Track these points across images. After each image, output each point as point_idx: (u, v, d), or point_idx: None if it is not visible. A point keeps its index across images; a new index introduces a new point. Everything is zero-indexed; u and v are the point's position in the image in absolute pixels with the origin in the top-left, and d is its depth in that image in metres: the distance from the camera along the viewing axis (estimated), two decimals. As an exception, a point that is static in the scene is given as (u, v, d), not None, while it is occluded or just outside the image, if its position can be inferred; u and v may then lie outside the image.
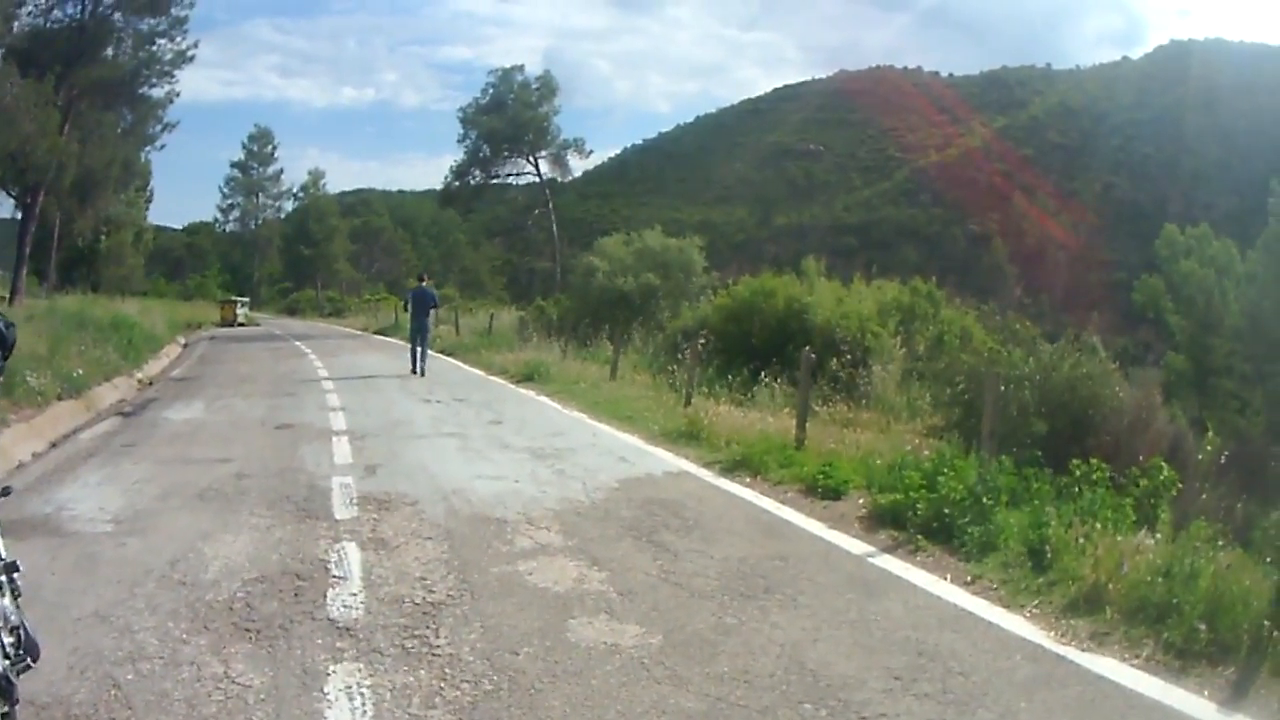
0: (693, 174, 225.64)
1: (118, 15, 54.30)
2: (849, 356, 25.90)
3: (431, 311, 34.79)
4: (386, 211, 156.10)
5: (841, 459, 15.31)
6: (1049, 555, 9.95)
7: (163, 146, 71.32)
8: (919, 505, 11.75)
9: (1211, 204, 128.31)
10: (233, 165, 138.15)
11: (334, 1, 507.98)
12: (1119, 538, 9.97)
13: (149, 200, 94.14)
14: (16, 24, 50.56)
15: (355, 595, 8.99)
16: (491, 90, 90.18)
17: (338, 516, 12.02)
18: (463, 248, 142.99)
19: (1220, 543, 9.72)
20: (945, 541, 11.06)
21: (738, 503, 13.73)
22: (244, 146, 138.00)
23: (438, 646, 7.79)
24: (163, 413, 22.45)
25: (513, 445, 17.90)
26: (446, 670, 7.34)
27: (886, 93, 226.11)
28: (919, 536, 11.34)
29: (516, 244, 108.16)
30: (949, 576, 10.06)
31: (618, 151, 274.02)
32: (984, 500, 11.32)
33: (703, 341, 28.43)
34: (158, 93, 58.82)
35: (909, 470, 12.75)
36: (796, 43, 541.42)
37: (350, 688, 7.00)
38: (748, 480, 15.18)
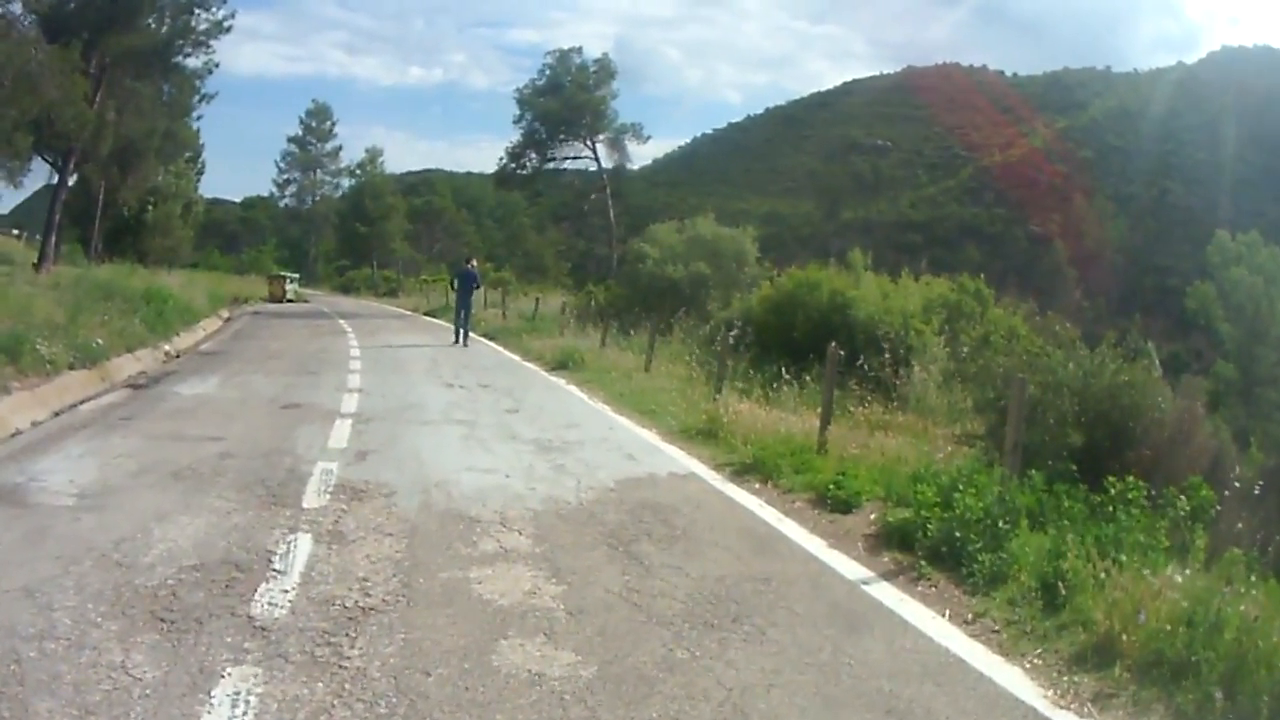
0: (760, 165, 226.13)
1: (152, -17, 53.61)
2: (889, 355, 24.93)
3: (475, 290, 39.48)
4: (449, 192, 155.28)
5: (862, 466, 14.28)
6: (1063, 593, 8.88)
7: (200, 117, 72.34)
8: (930, 525, 10.71)
9: (1260, 211, 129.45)
10: (289, 140, 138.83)
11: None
12: (1146, 572, 8.89)
13: (200, 172, 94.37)
14: None
15: (286, 592, 8.56)
16: (548, 71, 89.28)
17: (305, 505, 11.57)
18: (526, 231, 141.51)
19: (1253, 577, 8.84)
20: (953, 569, 10.01)
21: (737, 512, 12.78)
22: (301, 122, 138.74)
23: (348, 658, 7.28)
24: (175, 387, 22.04)
25: (520, 436, 17.31)
26: (346, 686, 6.85)
27: (952, 90, 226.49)
28: (924, 562, 10.29)
29: (584, 229, 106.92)
30: (948, 613, 9.03)
31: (687, 141, 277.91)
32: (999, 523, 10.27)
33: (734, 334, 27.74)
34: (194, 63, 58.52)
35: (925, 484, 11.67)
36: (864, 37, 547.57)
37: (239, 694, 6.61)
38: (757, 486, 14.29)
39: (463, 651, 7.47)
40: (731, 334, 26.78)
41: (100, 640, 7.28)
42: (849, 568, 10.35)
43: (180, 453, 14.20)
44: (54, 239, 54.24)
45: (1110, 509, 10.72)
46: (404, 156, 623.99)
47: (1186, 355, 63.44)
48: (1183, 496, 10.98)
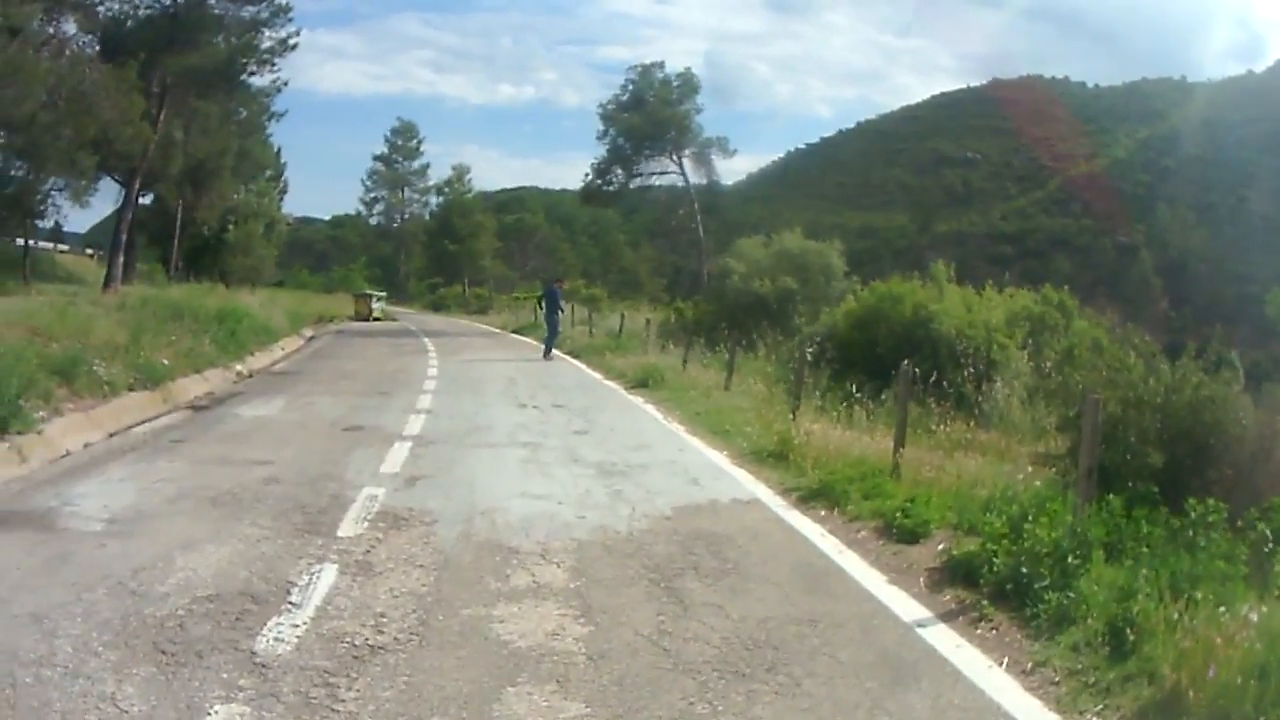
0: (853, 179, 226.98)
1: (214, 1, 54.28)
2: (971, 370, 24.64)
3: (560, 309, 41.27)
4: (541, 209, 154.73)
5: (935, 491, 13.56)
6: (1131, 638, 8.13)
7: (270, 135, 75.85)
8: (996, 559, 10.01)
9: None
10: (375, 158, 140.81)
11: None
12: (1222, 610, 8.15)
13: (283, 191, 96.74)
14: (102, 9, 50.96)
15: (296, 627, 8.20)
16: (631, 87, 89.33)
17: (340, 533, 11.22)
18: (620, 247, 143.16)
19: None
20: (1018, 609, 9.27)
21: (795, 542, 12.07)
22: (386, 140, 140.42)
23: (342, 701, 6.90)
24: (236, 408, 21.94)
25: (584, 459, 16.79)
26: (331, 731, 6.50)
27: (1035, 101, 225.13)
28: (986, 601, 9.58)
29: (677, 245, 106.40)
30: (1006, 660, 8.29)
31: (780, 156, 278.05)
32: (1069, 557, 9.54)
33: (811, 349, 27.44)
34: (260, 81, 59.32)
35: (994, 512, 11.07)
36: (949, 50, 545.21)
37: (220, 733, 6.38)
38: (822, 513, 13.59)
39: (464, 699, 7.02)
40: (809, 349, 26.41)
41: (96, 670, 7.15)
42: (906, 607, 9.65)
43: (223, 478, 13.95)
44: (122, 258, 54.55)
45: (1191, 534, 10.12)
46: (497, 174, 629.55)
47: (1268, 363, 63.28)
48: (1263, 520, 10.34)
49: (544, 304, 42.48)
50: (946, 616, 9.39)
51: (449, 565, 10.20)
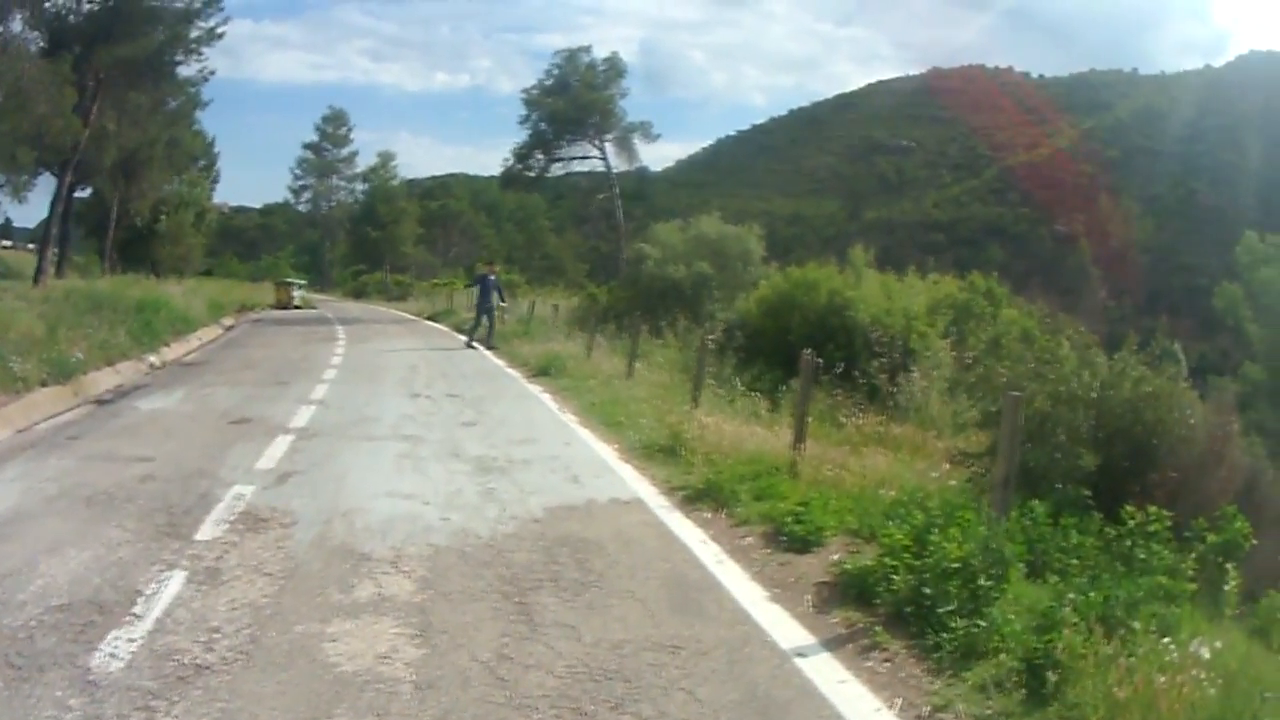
0: (784, 166, 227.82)
1: (152, -5, 54.78)
2: (884, 359, 23.69)
3: (493, 293, 38.91)
4: (466, 195, 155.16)
5: (836, 492, 12.34)
6: (1052, 680, 6.76)
7: (199, 125, 76.75)
8: (895, 575, 8.67)
9: None
10: (305, 146, 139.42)
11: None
12: (1166, 641, 6.95)
13: (215, 180, 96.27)
14: (48, 4, 50.94)
15: (134, 641, 7.73)
16: (556, 72, 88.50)
17: (197, 537, 10.72)
18: (544, 233, 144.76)
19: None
20: (918, 637, 7.99)
21: (672, 550, 11.00)
22: (317, 128, 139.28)
23: None
24: (137, 401, 21.34)
25: (465, 454, 16.02)
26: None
27: (977, 92, 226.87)
28: (880, 627, 8.27)
29: (603, 231, 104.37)
30: (898, 702, 7.04)
31: (711, 142, 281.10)
32: (981, 578, 8.16)
33: (714, 338, 26.59)
34: (187, 71, 59.33)
35: (897, 520, 9.66)
36: (890, 39, 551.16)
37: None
38: (707, 515, 12.55)
39: (272, 735, 6.48)
40: (711, 337, 25.50)
41: (-55, 684, 6.79)
42: (786, 631, 8.42)
43: (104, 475, 13.53)
44: (56, 251, 55.69)
45: (1129, 545, 9.22)
46: (430, 162, 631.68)
47: (1213, 356, 64.03)
48: (1213, 530, 9.79)
49: (477, 292, 40.35)
50: (832, 644, 8.17)
51: (296, 573, 9.63)
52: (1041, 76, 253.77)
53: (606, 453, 16.87)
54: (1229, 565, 9.52)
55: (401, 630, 8.14)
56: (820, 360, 17.95)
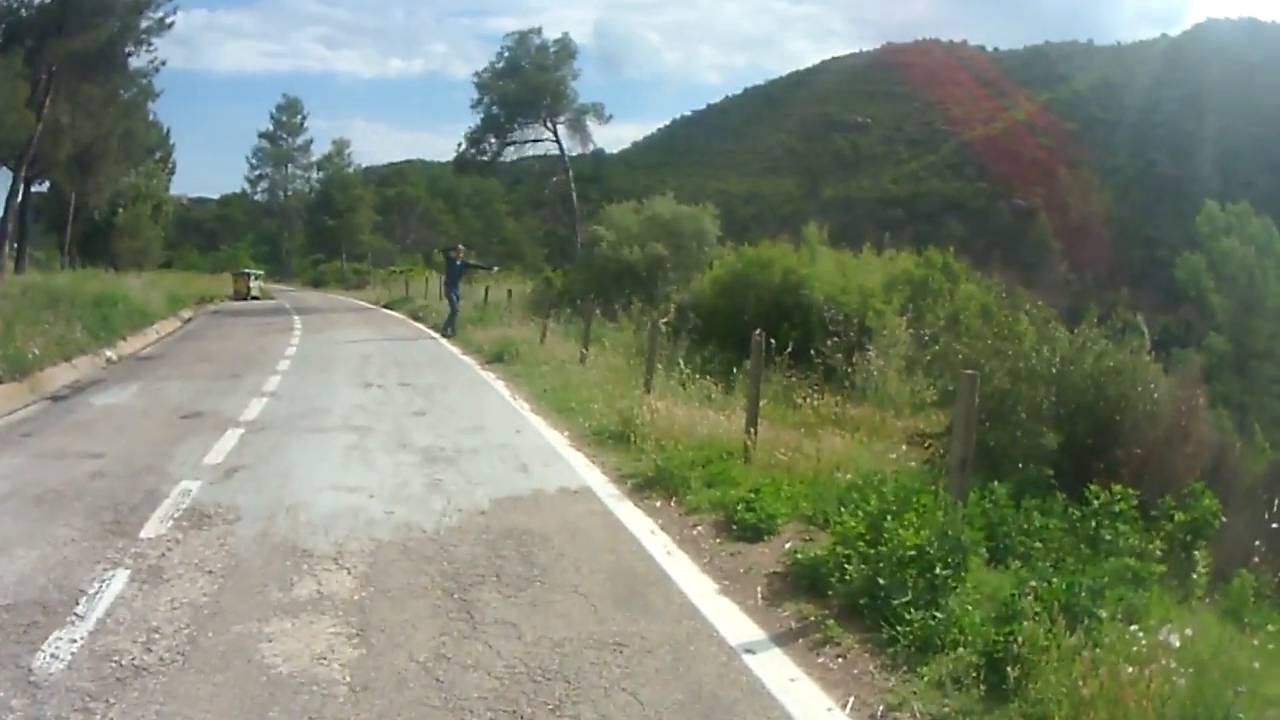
0: (740, 145, 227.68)
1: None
2: (837, 339, 23.41)
3: (459, 278, 39.51)
4: (423, 182, 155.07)
5: (790, 477, 12.12)
6: (1013, 675, 6.43)
7: (155, 116, 76.67)
8: (849, 565, 8.32)
9: (1250, 182, 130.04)
10: (260, 135, 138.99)
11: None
12: (1134, 629, 6.71)
13: (171, 172, 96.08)
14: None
15: (75, 642, 7.66)
16: (507, 54, 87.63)
17: (142, 534, 10.58)
18: (502, 218, 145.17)
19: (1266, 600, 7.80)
20: (873, 630, 7.66)
21: (620, 541, 10.76)
22: (272, 117, 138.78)
23: None
24: (92, 397, 21.27)
25: (412, 445, 15.92)
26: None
27: (932, 66, 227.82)
28: (833, 620, 7.96)
29: (559, 214, 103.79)
30: (850, 700, 6.73)
31: (666, 123, 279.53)
32: (938, 567, 7.80)
33: (667, 320, 26.63)
34: (138, 62, 60.08)
35: (851, 506, 9.32)
36: (844, 15, 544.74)
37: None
38: (657, 504, 12.35)
39: (208, 736, 6.44)
40: (664, 320, 25.47)
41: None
42: (735, 626, 8.17)
43: (54, 473, 13.44)
44: (9, 247, 55.72)
45: (1094, 526, 9.04)
46: (387, 148, 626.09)
47: (1177, 327, 64.29)
48: (1181, 509, 9.57)
49: (451, 275, 40.34)
50: (783, 639, 7.90)
51: (237, 570, 9.52)
52: (997, 49, 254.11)
53: (557, 440, 16.73)
54: (1198, 544, 9.32)
55: (339, 630, 8.01)
56: (774, 341, 17.76)
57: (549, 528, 11.06)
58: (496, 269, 41.30)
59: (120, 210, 78.18)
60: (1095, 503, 9.29)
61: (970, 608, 7.43)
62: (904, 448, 14.15)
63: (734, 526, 10.69)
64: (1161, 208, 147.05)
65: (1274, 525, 10.81)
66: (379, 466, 14.23)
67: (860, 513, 8.91)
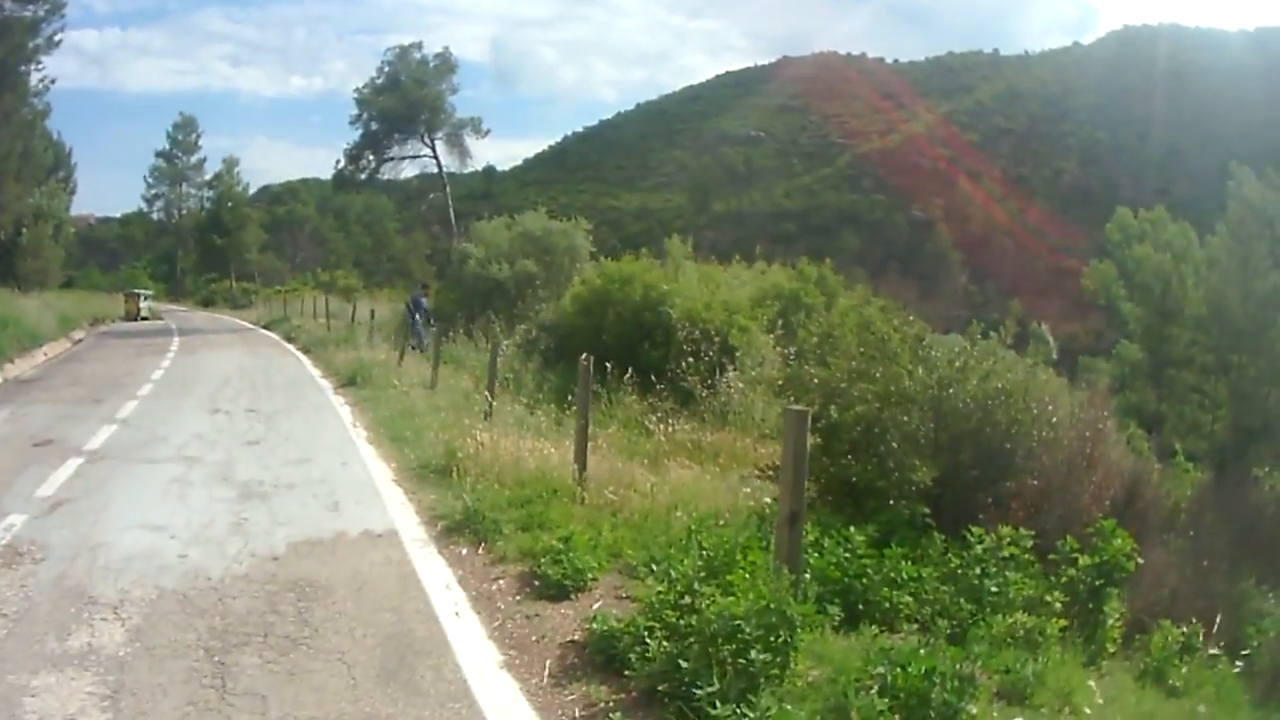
0: (632, 161, 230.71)
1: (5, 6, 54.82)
2: (695, 359, 22.84)
3: (419, 314, 39.82)
4: (313, 200, 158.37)
5: (613, 520, 11.34)
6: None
7: (56, 135, 77.48)
8: (650, 640, 7.09)
9: (1164, 189, 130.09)
10: (157, 154, 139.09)
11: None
12: None
13: (72, 191, 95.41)
14: None
15: None
16: (388, 69, 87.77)
17: None
18: (391, 236, 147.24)
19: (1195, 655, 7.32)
20: (673, 727, 6.39)
21: (409, 598, 9.92)
22: (169, 135, 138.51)
23: None
24: None
25: (234, 479, 15.47)
26: None
27: (830, 79, 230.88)
28: (621, 714, 6.72)
29: (443, 232, 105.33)
30: None
31: (558, 140, 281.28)
32: (758, 647, 6.42)
33: (512, 341, 26.97)
34: (30, 81, 59.77)
35: (666, 564, 8.23)
36: (742, 30, 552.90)
37: None
38: (464, 551, 11.55)
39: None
40: (508, 341, 25.59)
41: None
42: (509, 713, 7.22)
43: None
44: None
45: (976, 574, 8.09)
46: (285, 166, 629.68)
47: (1086, 336, 64.80)
48: (1086, 551, 8.64)
49: (410, 312, 40.61)
50: None
51: (25, 617, 9.25)
52: (898, 61, 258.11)
53: (381, 474, 16.21)
54: (1109, 592, 8.37)
55: (95, 689, 7.62)
56: (633, 362, 17.05)
57: (337, 579, 10.43)
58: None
59: (25, 230, 77.47)
60: (978, 547, 8.39)
61: (790, 707, 6.12)
62: (758, 481, 13.08)
63: (537, 582, 9.86)
64: (1070, 216, 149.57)
65: (1203, 563, 9.84)
66: (192, 502, 13.76)
67: (674, 572, 7.68)
